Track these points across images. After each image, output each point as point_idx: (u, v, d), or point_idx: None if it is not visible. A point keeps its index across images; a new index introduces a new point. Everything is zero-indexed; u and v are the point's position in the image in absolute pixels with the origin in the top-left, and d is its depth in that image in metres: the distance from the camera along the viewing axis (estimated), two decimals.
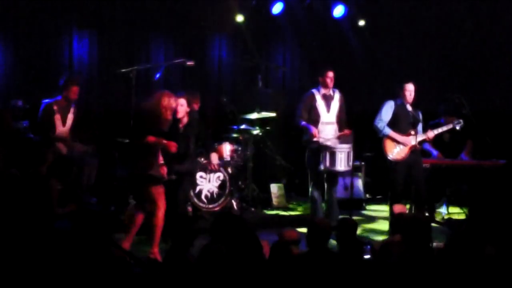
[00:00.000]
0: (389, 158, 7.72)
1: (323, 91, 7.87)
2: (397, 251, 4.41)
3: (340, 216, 7.09)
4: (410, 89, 7.73)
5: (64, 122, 7.46)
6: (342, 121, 7.91)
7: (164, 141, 6.41)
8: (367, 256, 4.95)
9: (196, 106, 7.69)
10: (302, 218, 8.17)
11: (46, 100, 7.46)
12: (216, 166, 7.64)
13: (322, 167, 7.59)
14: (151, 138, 6.35)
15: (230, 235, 4.56)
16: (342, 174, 8.14)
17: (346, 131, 7.85)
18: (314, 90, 7.91)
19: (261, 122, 8.96)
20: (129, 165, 6.59)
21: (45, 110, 7.36)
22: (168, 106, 6.43)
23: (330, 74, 7.81)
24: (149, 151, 6.39)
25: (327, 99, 7.88)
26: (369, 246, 5.01)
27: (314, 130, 7.68)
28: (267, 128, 9.06)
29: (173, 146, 6.43)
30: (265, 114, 8.86)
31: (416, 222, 4.48)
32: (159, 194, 6.44)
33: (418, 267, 4.17)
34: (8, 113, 6.95)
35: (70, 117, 7.53)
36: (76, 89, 7.47)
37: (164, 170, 6.48)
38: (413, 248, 4.31)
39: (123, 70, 7.92)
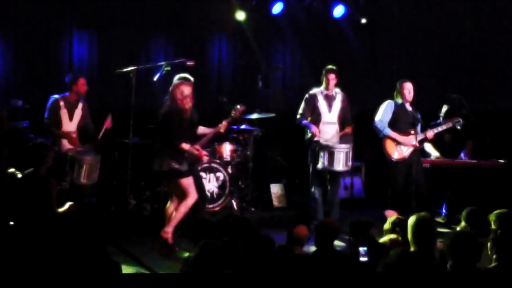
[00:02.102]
0: (392, 159, 7.72)
1: (325, 91, 7.92)
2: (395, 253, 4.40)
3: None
4: (408, 88, 7.75)
5: (71, 117, 7.48)
6: (346, 121, 7.93)
7: (197, 151, 6.65)
8: (363, 259, 4.94)
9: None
10: (302, 218, 8.17)
11: (54, 96, 7.48)
12: (207, 157, 7.29)
13: (320, 166, 7.64)
14: (185, 146, 6.61)
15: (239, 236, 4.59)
16: (342, 174, 8.16)
17: (347, 129, 7.88)
18: (316, 90, 7.95)
19: (261, 122, 8.96)
20: (158, 161, 6.72)
21: (52, 106, 7.40)
22: (184, 96, 6.69)
23: (331, 76, 7.86)
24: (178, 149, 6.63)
25: (329, 99, 7.93)
26: (365, 248, 4.99)
27: (314, 129, 7.73)
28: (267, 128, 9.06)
29: (203, 156, 6.74)
30: (265, 114, 8.86)
31: (421, 223, 4.47)
32: (189, 184, 6.68)
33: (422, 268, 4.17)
34: (4, 112, 6.92)
35: (78, 112, 7.54)
36: (83, 81, 7.51)
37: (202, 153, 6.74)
38: (420, 249, 4.31)
39: (123, 70, 7.93)
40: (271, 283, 4.07)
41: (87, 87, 7.58)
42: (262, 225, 7.75)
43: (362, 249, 4.94)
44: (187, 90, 6.71)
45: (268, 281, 4.09)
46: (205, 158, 6.77)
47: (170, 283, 4.18)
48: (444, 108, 8.46)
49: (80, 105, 7.57)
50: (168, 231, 6.67)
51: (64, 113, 7.44)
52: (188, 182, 6.67)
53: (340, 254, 4.68)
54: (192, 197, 6.68)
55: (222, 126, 7.15)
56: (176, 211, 6.71)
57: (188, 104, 6.71)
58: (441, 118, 8.43)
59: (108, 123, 7.59)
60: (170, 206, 6.88)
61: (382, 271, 4.01)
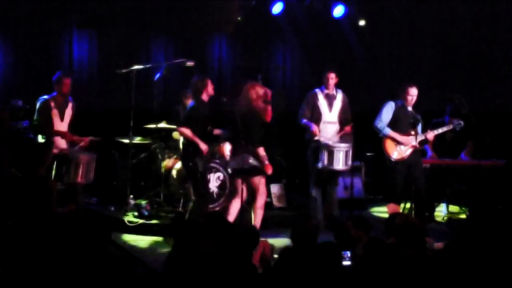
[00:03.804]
0: (391, 159, 7.72)
1: (326, 91, 7.95)
2: (390, 253, 4.40)
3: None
4: (412, 94, 7.71)
5: (62, 118, 7.41)
6: (346, 121, 7.95)
7: (266, 164, 7.03)
8: (346, 263, 4.92)
9: (188, 101, 7.71)
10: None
11: (43, 97, 7.42)
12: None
13: (320, 165, 7.63)
14: (262, 151, 7.05)
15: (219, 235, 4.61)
16: (342, 173, 8.15)
17: (347, 129, 7.89)
18: (317, 90, 7.99)
19: None
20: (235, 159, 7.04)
21: (41, 107, 7.31)
22: (259, 97, 6.97)
23: (330, 75, 7.89)
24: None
25: (330, 99, 7.94)
26: (348, 252, 4.97)
27: (314, 127, 7.75)
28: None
29: (269, 169, 7.07)
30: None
31: (408, 225, 4.48)
32: (263, 182, 7.11)
33: (410, 269, 4.17)
34: (6, 113, 6.92)
35: (68, 112, 7.48)
36: (68, 82, 7.37)
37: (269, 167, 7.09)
38: (406, 250, 4.31)
39: (123, 70, 7.93)
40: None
41: (69, 89, 7.44)
42: (262, 225, 7.74)
43: (345, 253, 4.92)
44: (260, 91, 6.98)
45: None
46: (270, 172, 7.13)
47: (170, 283, 4.18)
48: (448, 108, 8.44)
49: (70, 105, 7.50)
50: None
51: (55, 114, 7.34)
52: (263, 180, 7.05)
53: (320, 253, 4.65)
54: (263, 196, 7.08)
55: None
56: (255, 213, 7.07)
57: (262, 104, 7.02)
58: (446, 118, 8.40)
59: (86, 141, 7.50)
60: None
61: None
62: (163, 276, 4.47)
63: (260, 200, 7.10)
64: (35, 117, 7.30)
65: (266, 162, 7.07)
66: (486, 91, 9.94)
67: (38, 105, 7.31)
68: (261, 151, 7.09)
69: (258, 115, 7.02)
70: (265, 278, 4.19)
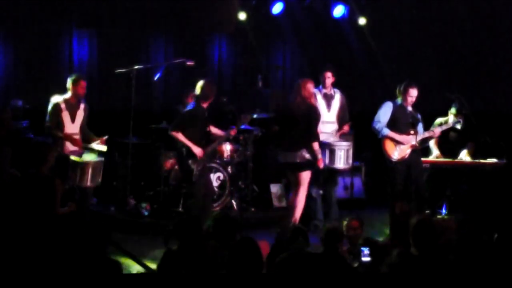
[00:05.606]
0: (392, 159, 7.70)
1: (324, 90, 7.94)
2: (396, 252, 4.40)
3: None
4: (413, 95, 7.69)
5: (73, 119, 7.38)
6: (344, 120, 7.95)
7: (319, 158, 7.13)
8: (366, 259, 4.93)
9: (189, 100, 7.71)
10: (302, 217, 8.17)
11: (55, 97, 7.37)
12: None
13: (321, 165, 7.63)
14: (317, 146, 7.12)
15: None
16: (342, 173, 8.15)
17: (345, 128, 7.89)
18: (315, 90, 7.95)
19: (261, 122, 8.96)
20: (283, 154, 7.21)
21: (52, 109, 7.29)
22: (311, 94, 7.21)
23: (327, 74, 7.91)
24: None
25: (328, 99, 7.94)
26: (367, 249, 4.98)
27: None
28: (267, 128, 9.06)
29: (321, 163, 7.17)
30: (265, 114, 8.88)
31: (420, 223, 4.46)
32: (306, 178, 7.17)
33: (424, 267, 4.18)
34: (7, 113, 6.92)
35: (80, 113, 7.44)
36: (84, 84, 7.40)
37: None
38: (420, 250, 4.31)
39: (123, 70, 7.93)
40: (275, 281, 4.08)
41: (85, 91, 7.45)
42: (262, 225, 7.76)
43: (364, 249, 4.94)
44: (311, 88, 7.16)
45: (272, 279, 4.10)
46: (322, 166, 7.25)
47: (170, 283, 4.18)
48: (453, 108, 8.39)
49: (81, 106, 7.46)
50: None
51: (65, 115, 7.31)
52: (309, 175, 7.16)
53: (343, 258, 4.70)
54: (304, 190, 7.15)
55: (232, 131, 7.47)
56: (295, 207, 7.13)
57: (314, 100, 7.33)
58: (451, 117, 8.36)
59: (102, 142, 7.46)
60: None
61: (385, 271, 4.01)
62: (162, 276, 4.46)
63: (303, 193, 7.18)
64: (46, 119, 7.30)
65: (319, 156, 7.15)
66: (486, 91, 9.93)
67: (49, 107, 7.29)
68: (316, 145, 7.15)
69: (317, 111, 7.21)
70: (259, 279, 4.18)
